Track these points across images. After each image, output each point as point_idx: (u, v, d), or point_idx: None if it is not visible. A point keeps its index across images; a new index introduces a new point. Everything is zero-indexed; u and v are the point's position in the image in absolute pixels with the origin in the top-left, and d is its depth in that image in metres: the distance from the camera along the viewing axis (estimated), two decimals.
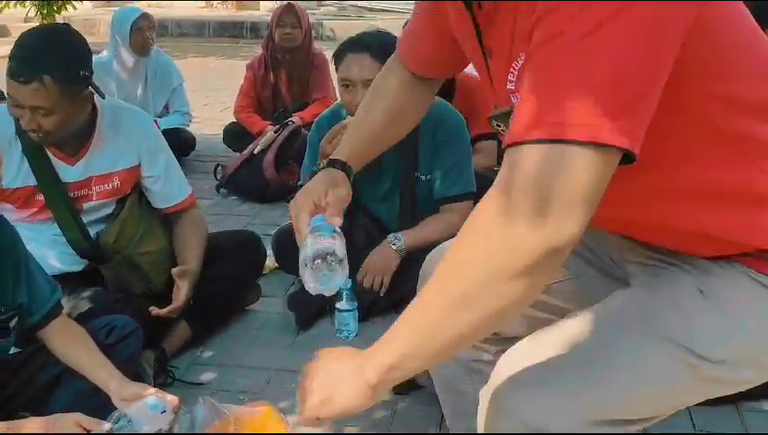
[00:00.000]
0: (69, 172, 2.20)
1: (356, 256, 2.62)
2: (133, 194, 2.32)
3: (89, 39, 7.76)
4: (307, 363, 1.15)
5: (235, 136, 4.26)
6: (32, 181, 2.15)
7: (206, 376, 2.28)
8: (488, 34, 1.11)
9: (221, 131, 4.52)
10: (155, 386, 1.95)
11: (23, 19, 10.49)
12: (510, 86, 1.09)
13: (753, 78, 1.06)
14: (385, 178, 2.70)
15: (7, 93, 2.04)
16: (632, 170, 0.94)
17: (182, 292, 2.21)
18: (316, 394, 1.09)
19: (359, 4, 11.93)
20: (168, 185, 2.39)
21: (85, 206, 2.24)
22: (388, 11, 11.62)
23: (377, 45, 2.53)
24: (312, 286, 1.30)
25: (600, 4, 0.88)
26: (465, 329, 0.97)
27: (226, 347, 2.44)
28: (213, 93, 6.38)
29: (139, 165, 2.32)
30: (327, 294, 1.32)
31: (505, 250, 0.92)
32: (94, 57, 4.36)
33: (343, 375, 1.06)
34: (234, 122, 4.38)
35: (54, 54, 2.02)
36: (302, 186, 2.65)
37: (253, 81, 4.32)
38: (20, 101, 2.00)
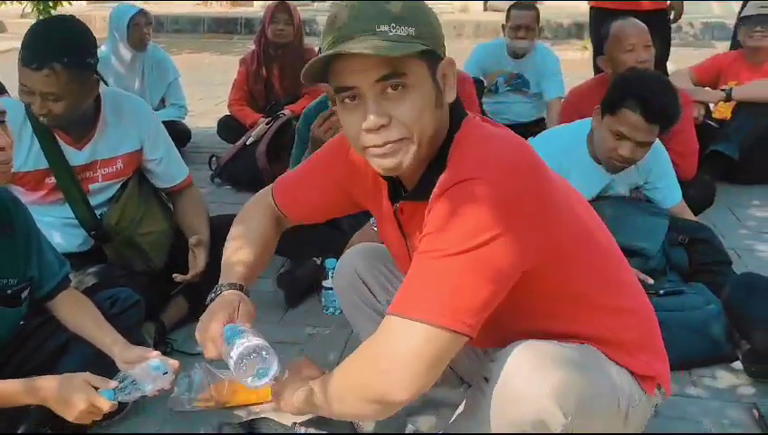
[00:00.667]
0: (76, 156, 2.35)
1: (342, 239, 2.80)
2: (134, 177, 2.48)
3: None
4: (293, 362, 1.62)
5: (229, 128, 4.42)
6: (42, 164, 2.30)
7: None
8: (407, 227, 1.53)
9: (215, 124, 4.67)
10: None
11: (19, 15, 10.62)
12: None
13: (592, 279, 1.49)
14: None
15: (20, 81, 2.18)
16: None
17: (200, 258, 2.38)
18: (277, 385, 1.54)
19: None
20: (170, 166, 2.56)
21: (91, 187, 2.39)
22: None
23: None
24: (250, 382, 1.46)
25: (458, 241, 1.28)
26: (344, 412, 1.47)
27: None
28: (208, 88, 6.54)
29: (141, 149, 2.48)
30: (263, 386, 1.48)
31: (359, 385, 1.36)
32: None
33: (291, 390, 1.52)
34: (227, 115, 4.54)
35: (64, 43, 2.17)
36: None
37: (245, 75, 4.47)
38: (31, 87, 2.16)
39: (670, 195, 2.87)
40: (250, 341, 1.43)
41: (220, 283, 1.61)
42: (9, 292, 1.86)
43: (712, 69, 4.20)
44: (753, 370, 2.21)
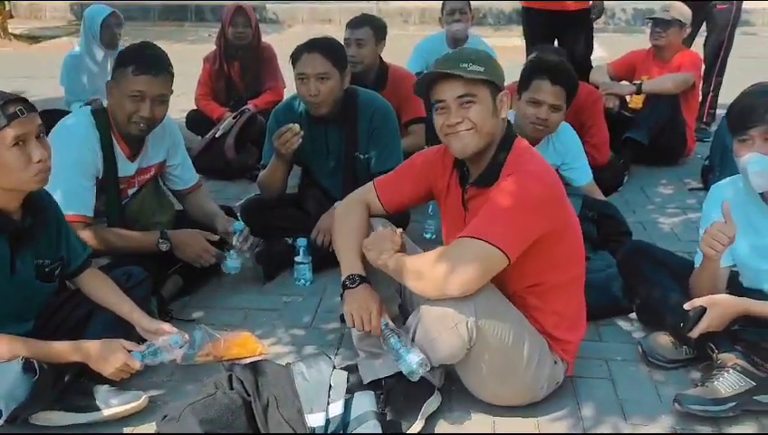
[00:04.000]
0: (128, 167, 2.82)
1: (309, 221, 3.27)
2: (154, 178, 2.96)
3: (35, 23, 8.80)
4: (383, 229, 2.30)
5: (198, 122, 4.81)
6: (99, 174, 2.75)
7: (197, 314, 2.91)
8: (469, 203, 2.24)
9: (178, 115, 5.01)
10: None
11: None
12: None
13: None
14: (331, 157, 3.35)
15: (128, 92, 2.64)
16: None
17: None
18: (370, 240, 2.25)
19: None
20: (185, 171, 3.06)
21: (129, 191, 2.86)
22: None
23: (326, 47, 3.17)
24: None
25: (513, 201, 2.04)
26: (418, 289, 2.11)
27: (210, 294, 3.06)
28: None
29: (167, 158, 2.96)
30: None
31: (433, 277, 2.05)
32: (68, 53, 4.90)
33: (379, 251, 2.20)
34: (195, 110, 4.92)
35: (166, 58, 2.79)
36: (264, 165, 3.24)
37: (210, 72, 4.86)
38: (147, 91, 2.63)
39: (584, 175, 3.46)
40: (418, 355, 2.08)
41: (355, 273, 2.24)
42: (47, 270, 2.30)
43: (627, 64, 4.78)
44: (643, 319, 2.78)
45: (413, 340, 2.09)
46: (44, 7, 11.33)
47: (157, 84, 2.65)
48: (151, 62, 2.67)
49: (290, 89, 5.13)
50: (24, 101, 2.12)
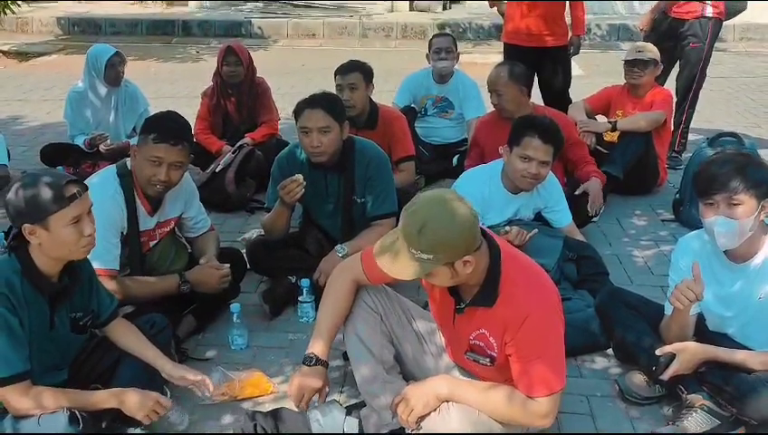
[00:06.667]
0: (149, 221, 3.08)
1: (309, 261, 3.51)
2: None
3: (22, 37, 9.09)
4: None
5: (197, 154, 5.00)
6: (124, 230, 3.00)
7: (210, 353, 3.14)
8: (462, 314, 2.36)
9: None
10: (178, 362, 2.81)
11: None
12: (472, 337, 2.38)
13: None
14: (330, 200, 3.59)
15: (147, 156, 2.90)
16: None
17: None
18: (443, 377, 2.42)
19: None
20: (198, 221, 3.33)
21: (151, 244, 3.12)
22: (310, 7, 12.34)
23: (326, 103, 3.41)
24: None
25: (545, 347, 2.23)
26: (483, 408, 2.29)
27: (220, 332, 3.28)
28: (159, 102, 6.93)
29: (183, 212, 3.22)
30: None
31: (517, 424, 2.29)
32: (71, 88, 5.10)
33: (430, 385, 2.34)
34: (195, 143, 5.12)
35: (187, 127, 3.08)
36: (268, 209, 3.46)
37: (208, 106, 5.09)
38: (164, 158, 2.89)
39: (564, 216, 3.74)
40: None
41: (316, 354, 2.48)
42: (80, 322, 2.53)
43: (603, 100, 5.07)
44: (619, 356, 3.05)
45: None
46: (31, 21, 11.44)
47: (173, 153, 2.92)
48: (171, 133, 2.94)
49: (284, 120, 5.38)
50: (79, 182, 2.36)
